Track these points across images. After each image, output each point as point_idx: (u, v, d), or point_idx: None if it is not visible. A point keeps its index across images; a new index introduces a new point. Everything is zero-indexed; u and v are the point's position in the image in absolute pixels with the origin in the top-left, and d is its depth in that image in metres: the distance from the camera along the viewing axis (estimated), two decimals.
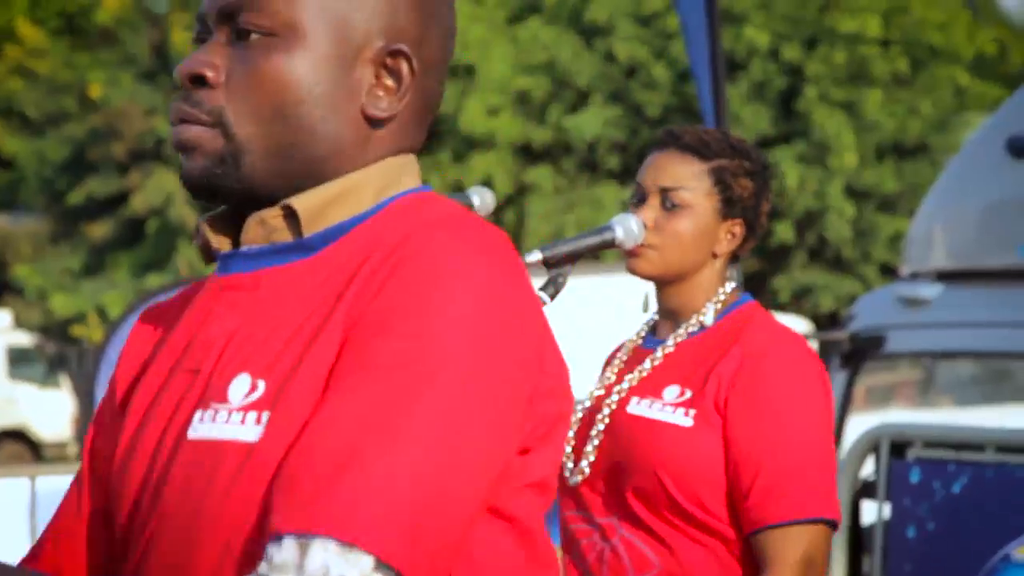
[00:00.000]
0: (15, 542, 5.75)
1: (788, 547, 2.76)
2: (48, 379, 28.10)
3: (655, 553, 2.85)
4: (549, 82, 30.07)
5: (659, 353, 2.95)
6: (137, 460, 1.55)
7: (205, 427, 1.48)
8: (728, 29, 27.95)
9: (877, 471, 4.21)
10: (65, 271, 31.07)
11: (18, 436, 28.48)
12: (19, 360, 29.11)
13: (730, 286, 3.00)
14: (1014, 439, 3.92)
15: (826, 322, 25.51)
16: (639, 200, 2.96)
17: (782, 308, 27.87)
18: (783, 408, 2.83)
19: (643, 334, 3.09)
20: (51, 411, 26.23)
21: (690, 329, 2.96)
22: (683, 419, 2.85)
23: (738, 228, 2.96)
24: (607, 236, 3.00)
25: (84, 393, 6.71)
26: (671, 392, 2.91)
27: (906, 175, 29.57)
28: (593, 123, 29.78)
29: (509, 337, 1.44)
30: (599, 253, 3.09)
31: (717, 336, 2.93)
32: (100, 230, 30.91)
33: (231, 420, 1.46)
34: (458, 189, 26.46)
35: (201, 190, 1.55)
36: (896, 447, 4.12)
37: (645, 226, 2.89)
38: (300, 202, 1.52)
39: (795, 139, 28.62)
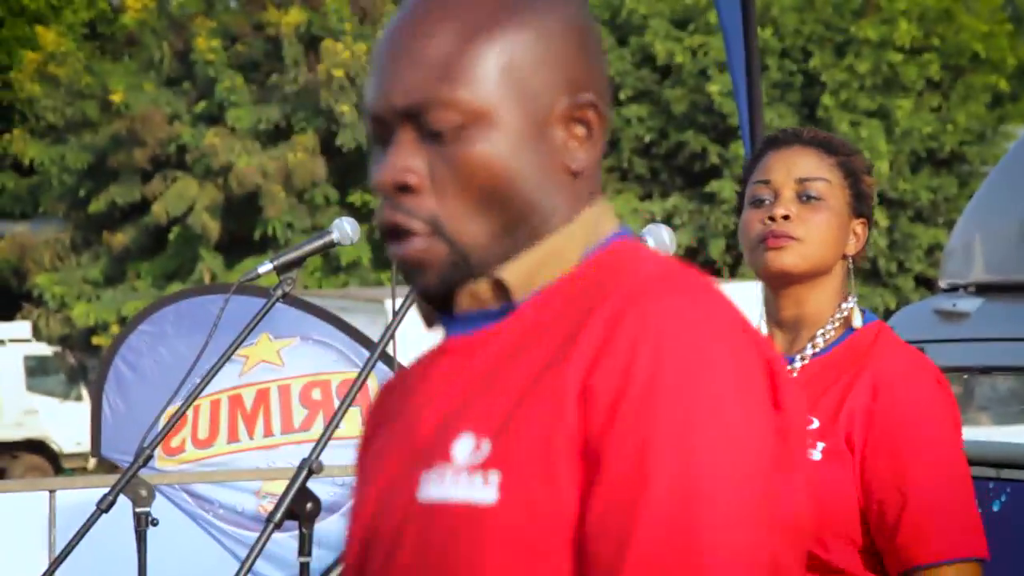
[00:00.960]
0: (35, 555, 5.73)
1: None
2: (69, 390, 28.03)
3: None
4: None
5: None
6: (362, 524, 1.58)
7: (434, 488, 1.49)
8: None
9: None
10: (86, 280, 31.35)
11: (38, 447, 28.55)
12: (38, 371, 29.26)
13: (853, 300, 2.92)
14: None
15: None
16: (761, 198, 2.90)
17: None
18: (925, 442, 2.77)
19: None
20: (71, 422, 26.24)
21: (817, 348, 2.87)
22: (814, 454, 2.79)
23: (861, 228, 2.92)
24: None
25: (95, 404, 6.71)
26: None
27: (943, 186, 29.93)
28: (615, 121, 29.92)
29: (757, 404, 1.45)
30: None
31: (845, 359, 2.85)
32: (121, 238, 31.23)
33: (458, 481, 1.47)
34: None
35: (438, 296, 1.56)
36: None
37: (783, 216, 2.84)
38: (509, 273, 1.54)
39: None
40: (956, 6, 30.84)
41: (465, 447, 1.48)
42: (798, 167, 2.88)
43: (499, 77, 1.52)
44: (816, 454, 2.76)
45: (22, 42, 34.71)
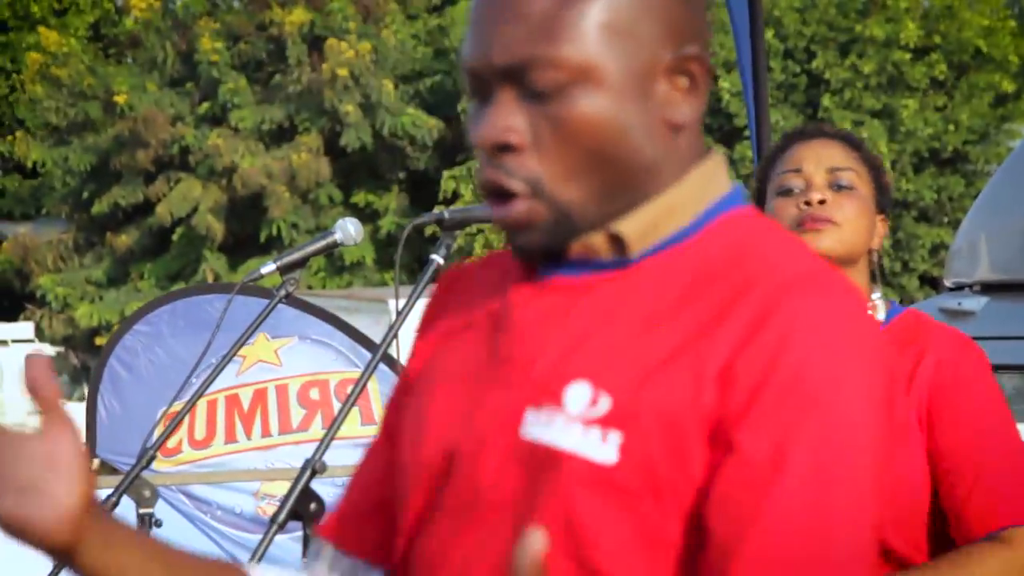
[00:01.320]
0: (38, 556, 5.83)
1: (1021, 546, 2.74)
2: (72, 391, 28.09)
3: None
4: None
5: None
6: (444, 443, 1.55)
7: (541, 430, 1.46)
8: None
9: None
10: (89, 281, 31.45)
11: None
12: None
13: (878, 296, 2.92)
14: None
15: None
16: (791, 188, 2.89)
17: None
18: (990, 413, 2.79)
19: None
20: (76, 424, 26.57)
21: None
22: None
23: (882, 223, 2.92)
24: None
25: (90, 405, 6.73)
26: None
27: (947, 185, 30.00)
28: None
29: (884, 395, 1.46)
30: None
31: (896, 340, 2.85)
32: (125, 239, 31.40)
33: (571, 431, 1.44)
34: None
35: (540, 254, 1.54)
36: None
37: (819, 201, 2.83)
38: (626, 227, 1.51)
39: None
40: (959, 3, 30.89)
41: (581, 396, 1.45)
42: (828, 157, 2.89)
43: (601, 33, 1.49)
44: None
45: (24, 44, 34.94)
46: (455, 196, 31.53)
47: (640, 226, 1.52)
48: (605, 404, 1.43)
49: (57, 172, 32.39)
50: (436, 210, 3.66)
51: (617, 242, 1.51)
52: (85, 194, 31.49)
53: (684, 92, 1.53)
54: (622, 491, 1.41)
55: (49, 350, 29.51)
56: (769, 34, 28.12)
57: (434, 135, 33.26)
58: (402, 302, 3.39)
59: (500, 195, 1.50)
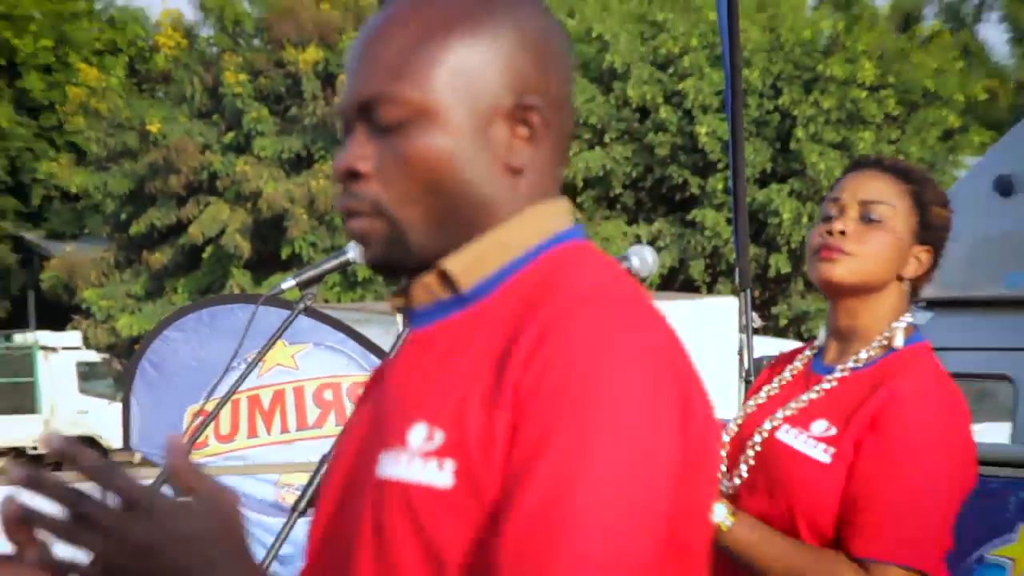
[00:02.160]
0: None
1: None
2: (116, 392, 28.40)
3: None
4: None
5: (823, 385, 2.78)
6: (330, 493, 1.58)
7: (390, 468, 1.46)
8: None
9: None
10: (129, 295, 31.50)
11: (89, 444, 28.68)
12: (89, 375, 29.50)
13: (906, 321, 2.78)
14: (991, 453, 3.79)
15: None
16: (830, 215, 2.78)
17: (782, 332, 27.50)
18: (912, 455, 2.61)
19: (811, 356, 2.90)
20: (119, 422, 26.49)
21: (859, 363, 2.75)
22: (821, 455, 2.68)
23: (925, 255, 2.80)
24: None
25: (125, 403, 6.82)
26: (818, 426, 2.74)
27: None
28: (599, 159, 29.45)
29: (672, 418, 1.41)
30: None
31: (880, 376, 2.72)
32: (160, 257, 31.34)
33: (413, 464, 1.44)
34: None
35: (384, 271, 1.55)
36: None
37: (839, 232, 2.75)
38: (451, 263, 1.50)
39: (790, 177, 28.65)
40: (911, 46, 30.46)
41: (419, 434, 1.45)
42: (864, 189, 2.78)
43: (445, 77, 1.48)
44: (826, 457, 2.66)
45: (67, 79, 35.06)
46: None
47: (465, 261, 1.50)
48: (439, 438, 1.43)
49: (98, 196, 32.34)
50: None
51: (446, 278, 1.50)
52: (123, 216, 31.38)
53: (524, 139, 1.51)
54: (460, 509, 1.41)
55: (95, 356, 29.96)
56: (747, 72, 27.68)
57: None
58: None
59: (350, 215, 1.50)
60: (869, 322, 2.74)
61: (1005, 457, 3.83)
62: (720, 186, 28.48)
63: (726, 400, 3.51)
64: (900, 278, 2.75)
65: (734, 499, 2.74)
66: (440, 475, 1.41)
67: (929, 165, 29.20)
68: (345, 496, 1.53)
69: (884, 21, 35.35)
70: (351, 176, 1.50)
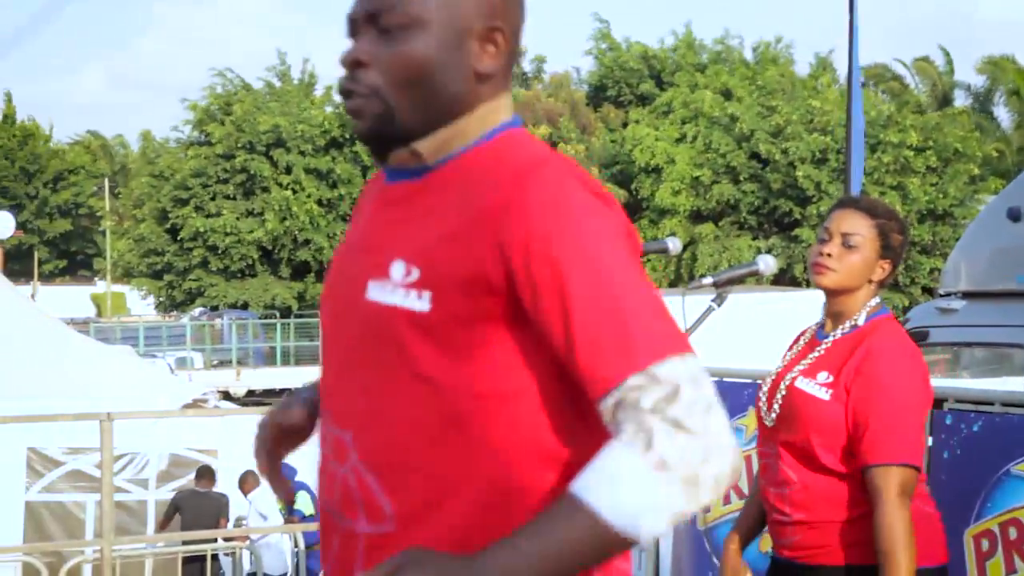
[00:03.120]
0: None
1: (889, 482, 2.79)
2: None
3: (796, 472, 2.98)
4: (710, 172, 32.75)
5: (823, 347, 3.00)
6: (327, 313, 1.61)
7: (377, 294, 1.51)
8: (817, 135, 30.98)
9: None
10: None
11: None
12: None
13: (875, 301, 3.00)
14: (1012, 397, 3.75)
15: None
16: (824, 239, 2.95)
17: None
18: (887, 387, 2.84)
19: (816, 328, 3.10)
20: None
21: (844, 330, 2.98)
22: (824, 395, 2.91)
23: (887, 265, 2.98)
24: (753, 268, 3.26)
25: None
26: (822, 375, 2.95)
27: (939, 232, 31.84)
28: (733, 192, 31.76)
29: (620, 223, 1.50)
30: (747, 279, 3.33)
31: (856, 336, 2.95)
32: None
33: (396, 293, 1.49)
34: (655, 240, 27.02)
35: (371, 140, 1.57)
36: (936, 402, 3.68)
37: (826, 254, 2.94)
38: (421, 145, 1.56)
39: None
40: (944, 120, 33.06)
41: (399, 269, 1.50)
42: (845, 224, 2.94)
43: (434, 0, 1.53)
44: (827, 396, 2.91)
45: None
46: None
47: (432, 144, 1.56)
48: (416, 273, 1.48)
49: None
50: None
51: (416, 155, 1.56)
52: None
53: (490, 54, 1.57)
54: (435, 328, 1.47)
55: None
56: (827, 138, 31.20)
57: (621, 201, 32.13)
58: None
59: (349, 95, 1.55)
60: (850, 308, 3.00)
61: (1021, 400, 3.74)
62: (815, 212, 31.07)
63: None
64: (870, 281, 2.96)
65: (774, 431, 3.02)
66: (419, 302, 1.47)
67: (960, 202, 32.14)
68: (338, 313, 1.59)
69: (924, 101, 37.30)
70: (356, 65, 1.55)
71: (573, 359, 1.43)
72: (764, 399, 3.09)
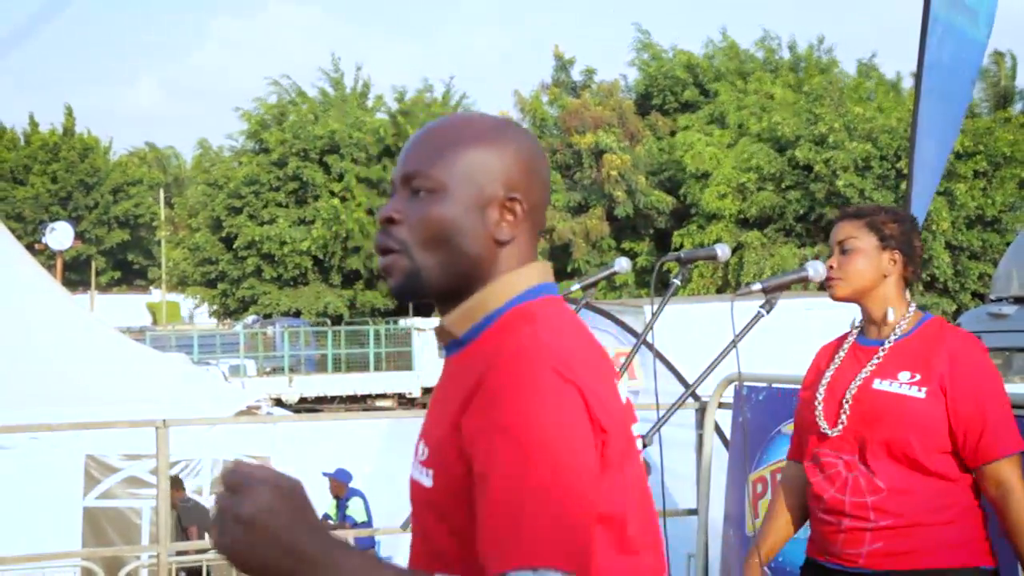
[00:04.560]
0: None
1: (1012, 472, 2.82)
2: None
3: (882, 481, 2.93)
4: (755, 177, 32.59)
5: (886, 347, 2.97)
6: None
7: (412, 470, 1.63)
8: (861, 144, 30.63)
9: None
10: None
11: None
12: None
13: (913, 307, 3.00)
14: None
15: None
16: (830, 253, 3.05)
17: None
18: (986, 384, 2.86)
19: (855, 335, 3.10)
20: None
21: (899, 335, 2.97)
22: (918, 393, 2.87)
23: (895, 256, 2.99)
24: (802, 274, 3.19)
25: None
26: (904, 375, 2.92)
27: (988, 238, 31.30)
28: (773, 200, 31.55)
29: (570, 437, 1.48)
30: (796, 285, 3.24)
31: (925, 340, 2.94)
32: None
33: (417, 469, 1.60)
34: (702, 246, 26.43)
35: (402, 296, 1.63)
36: None
37: (830, 267, 3.00)
38: (446, 319, 1.63)
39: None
40: (993, 124, 32.24)
41: (421, 448, 1.61)
42: (840, 234, 3.03)
43: (461, 168, 1.61)
44: (922, 395, 2.89)
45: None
46: (681, 245, 32.79)
47: (455, 316, 1.62)
48: (425, 453, 1.58)
49: None
50: (671, 253, 3.63)
51: (446, 331, 1.63)
52: None
53: (508, 222, 1.62)
54: (437, 503, 1.55)
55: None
56: (868, 146, 30.87)
57: (669, 207, 34.26)
58: (652, 308, 3.47)
59: (383, 251, 1.61)
60: (876, 308, 3.02)
61: None
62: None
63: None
64: (885, 275, 2.98)
65: (842, 439, 2.99)
66: (426, 479, 1.57)
67: (1009, 207, 31.61)
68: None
69: (980, 102, 36.41)
70: (388, 222, 1.62)
71: (476, 542, 1.49)
72: (820, 407, 3.06)
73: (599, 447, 1.53)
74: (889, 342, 3.01)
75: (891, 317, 3.03)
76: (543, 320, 1.60)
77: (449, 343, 1.67)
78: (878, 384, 2.98)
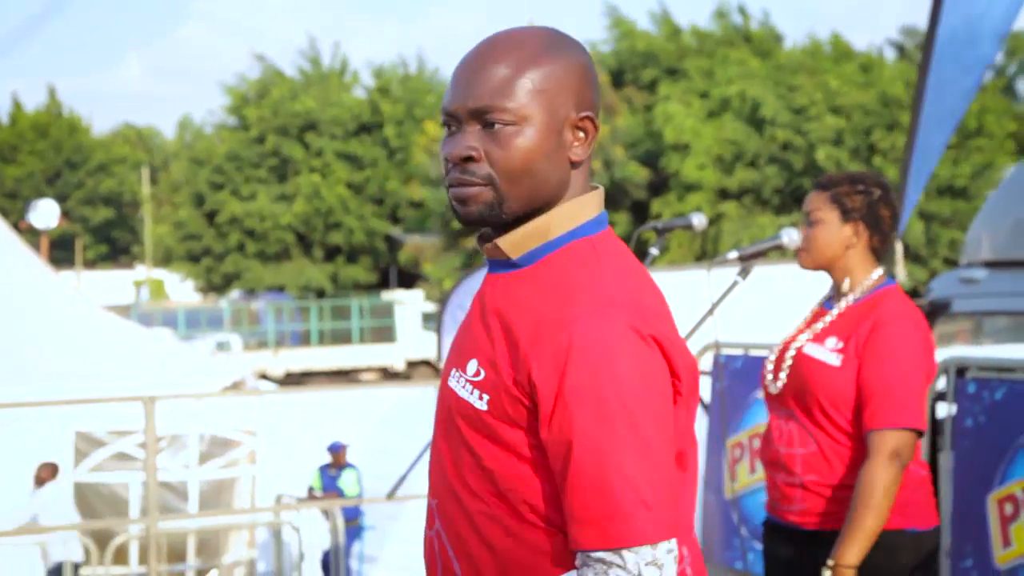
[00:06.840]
0: None
1: (884, 443, 2.81)
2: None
3: (812, 436, 3.00)
4: (733, 150, 32.55)
5: (830, 317, 3.02)
6: (440, 384, 1.70)
7: (454, 383, 1.61)
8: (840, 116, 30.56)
9: (947, 385, 3.86)
10: (452, 267, 33.25)
11: (426, 364, 32.91)
12: (427, 319, 33.45)
13: (877, 273, 3.01)
14: None
15: (910, 295, 21.90)
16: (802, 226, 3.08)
17: None
18: (891, 353, 2.87)
19: (824, 300, 3.16)
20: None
21: (849, 302, 3.00)
22: (835, 361, 2.93)
23: (859, 227, 3.00)
24: (777, 242, 3.19)
25: (438, 335, 7.44)
26: (830, 342, 2.99)
27: (958, 207, 31.37)
28: (752, 176, 31.61)
29: (652, 383, 1.51)
30: (771, 252, 3.26)
31: (865, 307, 2.97)
32: (470, 242, 32.63)
33: (466, 387, 1.58)
34: (680, 216, 25.08)
35: (477, 224, 1.61)
36: (959, 370, 3.77)
37: (801, 239, 3.05)
38: (502, 241, 1.61)
39: None
40: None
41: (472, 366, 1.59)
42: (807, 204, 3.07)
43: (535, 96, 1.57)
44: (837, 361, 2.94)
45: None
46: (660, 214, 32.34)
47: (515, 239, 1.61)
48: (482, 374, 1.56)
49: (434, 205, 33.94)
50: (648, 223, 3.80)
51: (499, 250, 1.62)
52: (448, 217, 32.13)
53: (581, 141, 1.61)
54: (488, 425, 1.55)
55: (431, 307, 33.12)
56: (840, 120, 30.69)
57: (645, 179, 33.73)
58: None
59: (462, 186, 1.59)
60: (841, 276, 3.05)
61: None
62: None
63: None
64: (848, 247, 3.00)
65: (780, 397, 3.05)
66: (479, 401, 1.56)
67: (976, 175, 31.38)
68: (441, 384, 1.68)
69: None
70: (466, 160, 1.59)
71: (564, 503, 1.51)
72: (771, 367, 3.13)
73: (674, 390, 1.56)
74: (839, 309, 3.06)
75: (845, 286, 3.07)
76: (607, 263, 1.60)
77: (500, 261, 1.66)
78: (807, 349, 3.05)
